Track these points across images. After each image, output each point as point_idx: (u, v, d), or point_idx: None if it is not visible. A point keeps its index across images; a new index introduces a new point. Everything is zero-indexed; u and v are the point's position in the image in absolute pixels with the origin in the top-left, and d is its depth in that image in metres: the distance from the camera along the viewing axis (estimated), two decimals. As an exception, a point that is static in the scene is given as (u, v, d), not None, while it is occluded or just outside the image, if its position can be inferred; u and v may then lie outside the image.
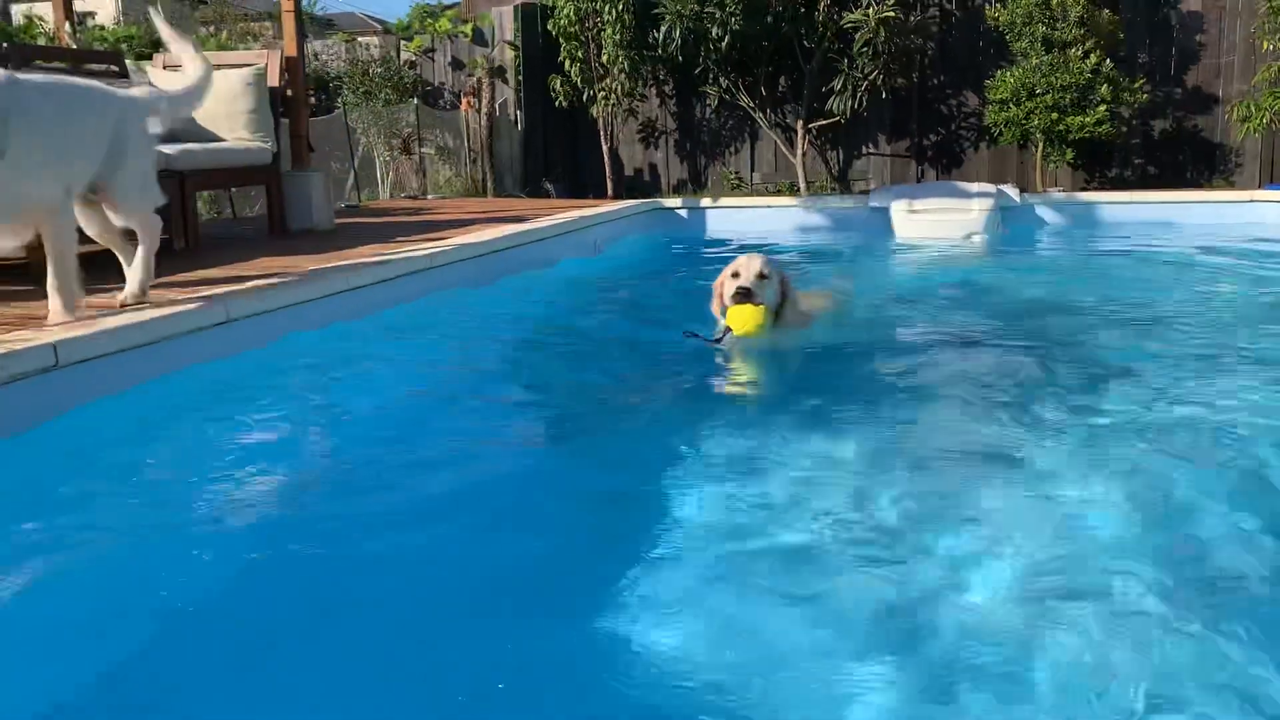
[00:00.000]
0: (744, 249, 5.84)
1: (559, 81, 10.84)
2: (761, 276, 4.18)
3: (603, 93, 10.59)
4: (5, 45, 6.07)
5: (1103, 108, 9.32)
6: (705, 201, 9.54)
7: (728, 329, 4.12)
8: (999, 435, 3.27)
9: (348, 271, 4.85)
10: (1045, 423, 3.35)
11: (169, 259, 5.72)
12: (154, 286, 4.76)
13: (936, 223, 8.50)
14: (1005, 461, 3.03)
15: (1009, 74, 9.67)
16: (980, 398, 3.69)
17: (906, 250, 8.06)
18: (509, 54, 11.92)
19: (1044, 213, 9.02)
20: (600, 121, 10.90)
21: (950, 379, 4.00)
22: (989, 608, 2.12)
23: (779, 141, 11.00)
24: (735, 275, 4.21)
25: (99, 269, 5.21)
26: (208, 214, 9.06)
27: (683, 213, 9.37)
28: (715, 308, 4.41)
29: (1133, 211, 8.88)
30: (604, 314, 5.63)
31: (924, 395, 3.86)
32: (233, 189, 8.88)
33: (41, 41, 8.08)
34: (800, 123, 10.61)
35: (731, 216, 9.26)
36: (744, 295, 4.07)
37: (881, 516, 2.63)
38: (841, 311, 4.98)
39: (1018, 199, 8.97)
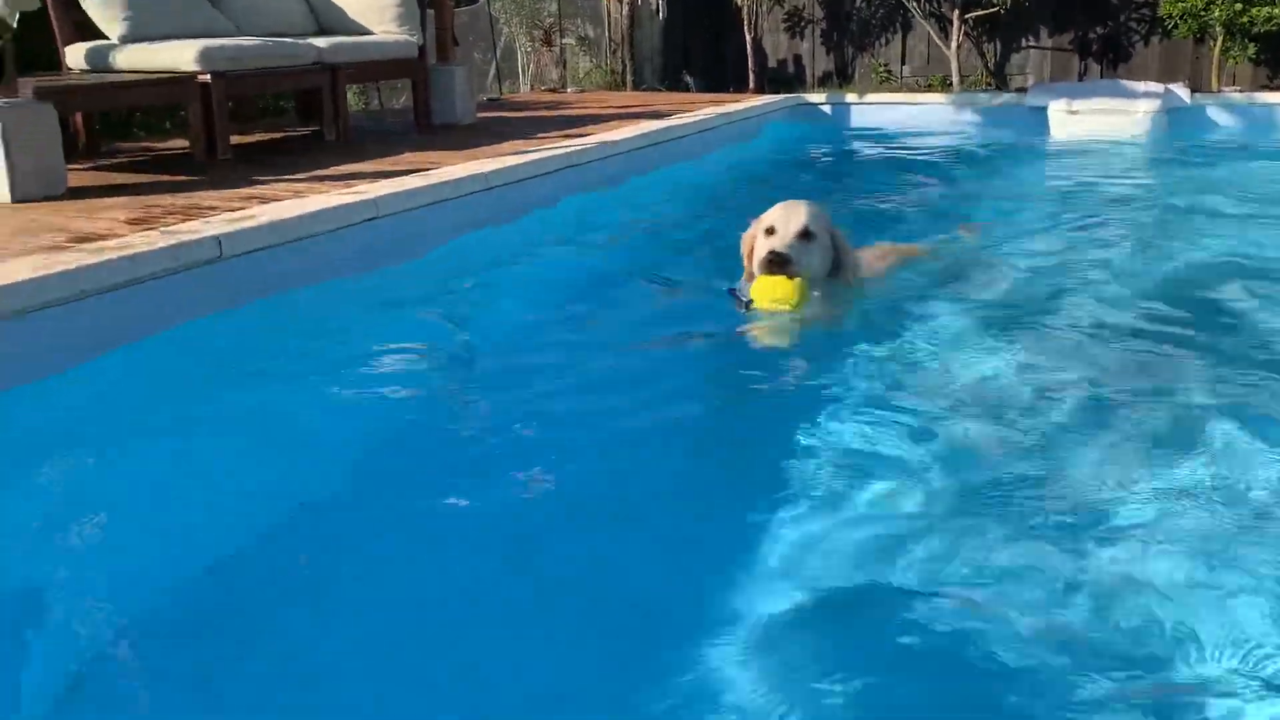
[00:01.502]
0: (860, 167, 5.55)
1: (703, -31, 10.56)
2: (805, 235, 3.16)
3: (748, -19, 10.28)
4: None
5: (1294, -2, 8.57)
6: (850, 97, 9.25)
7: (750, 303, 3.18)
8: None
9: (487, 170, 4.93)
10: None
11: (320, 151, 5.93)
12: (306, 179, 4.96)
13: (1097, 125, 8.04)
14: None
15: (1190, -39, 8.94)
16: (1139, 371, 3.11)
17: (1061, 155, 7.66)
18: (653, -60, 11.64)
19: (1217, 115, 8.42)
20: (744, 10, 10.59)
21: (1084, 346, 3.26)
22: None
23: (932, 32, 10.50)
24: (770, 232, 3.19)
25: (262, 161, 5.43)
26: (357, 105, 9.27)
27: (826, 109, 9.11)
28: (748, 273, 3.42)
29: (1320, 116, 8.19)
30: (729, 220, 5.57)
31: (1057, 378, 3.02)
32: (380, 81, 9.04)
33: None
34: (956, 12, 10.09)
35: (878, 114, 8.95)
36: (776, 263, 3.07)
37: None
38: (940, 264, 4.01)
39: (1188, 100, 8.39)
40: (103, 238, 3.67)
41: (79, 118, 5.59)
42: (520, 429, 2.82)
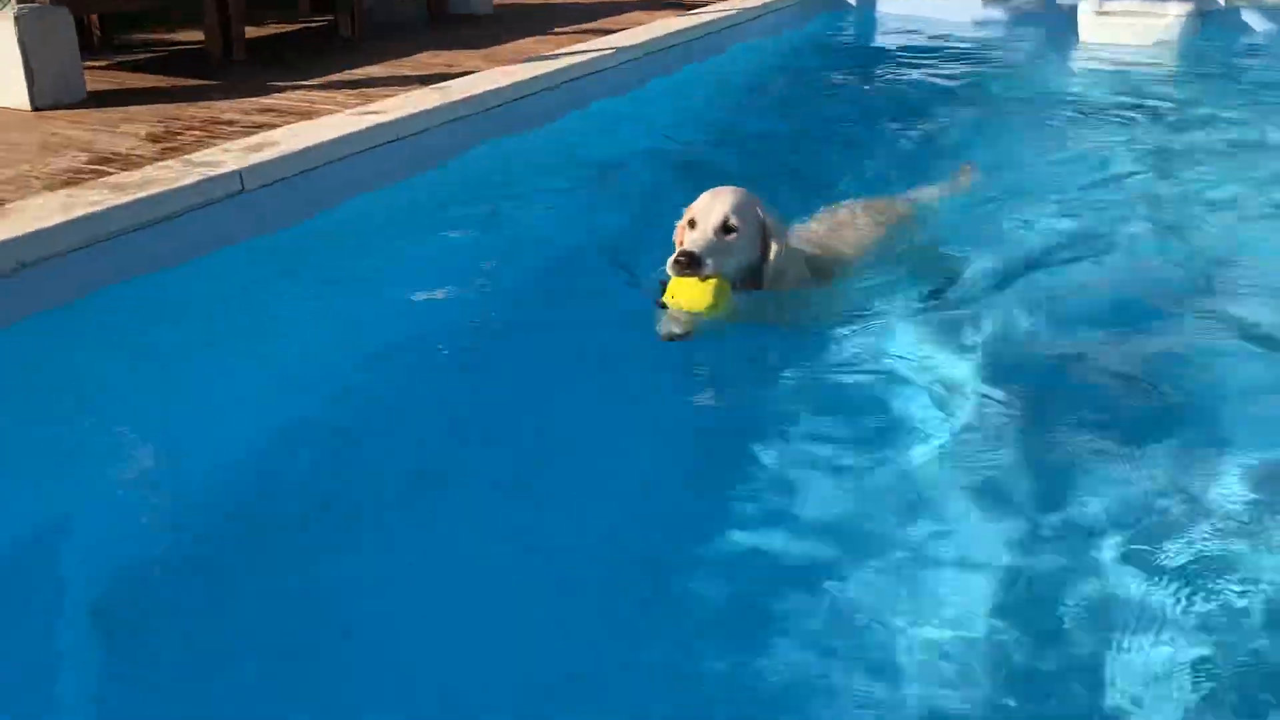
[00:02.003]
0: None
1: None
2: (725, 229, 2.82)
3: None
4: None
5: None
6: (875, -13, 8.98)
7: (662, 306, 2.87)
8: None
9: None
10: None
11: (335, 49, 5.87)
12: (321, 86, 4.95)
13: (1126, 27, 7.84)
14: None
15: None
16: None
17: (1087, 61, 7.49)
18: None
19: (1251, 18, 8.17)
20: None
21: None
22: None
23: (964, -84, 10.11)
24: (693, 225, 2.87)
25: (278, 61, 5.37)
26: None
27: (852, 0, 8.87)
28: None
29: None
30: (750, 126, 5.52)
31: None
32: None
33: None
34: (990, -104, 9.69)
35: (901, 6, 8.71)
36: (684, 263, 2.75)
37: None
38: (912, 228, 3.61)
39: (1222, 2, 8.14)
40: (125, 160, 3.73)
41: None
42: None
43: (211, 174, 3.37)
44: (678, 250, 2.78)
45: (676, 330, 2.83)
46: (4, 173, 3.65)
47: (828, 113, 5.86)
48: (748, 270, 2.89)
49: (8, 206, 3.12)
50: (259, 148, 3.69)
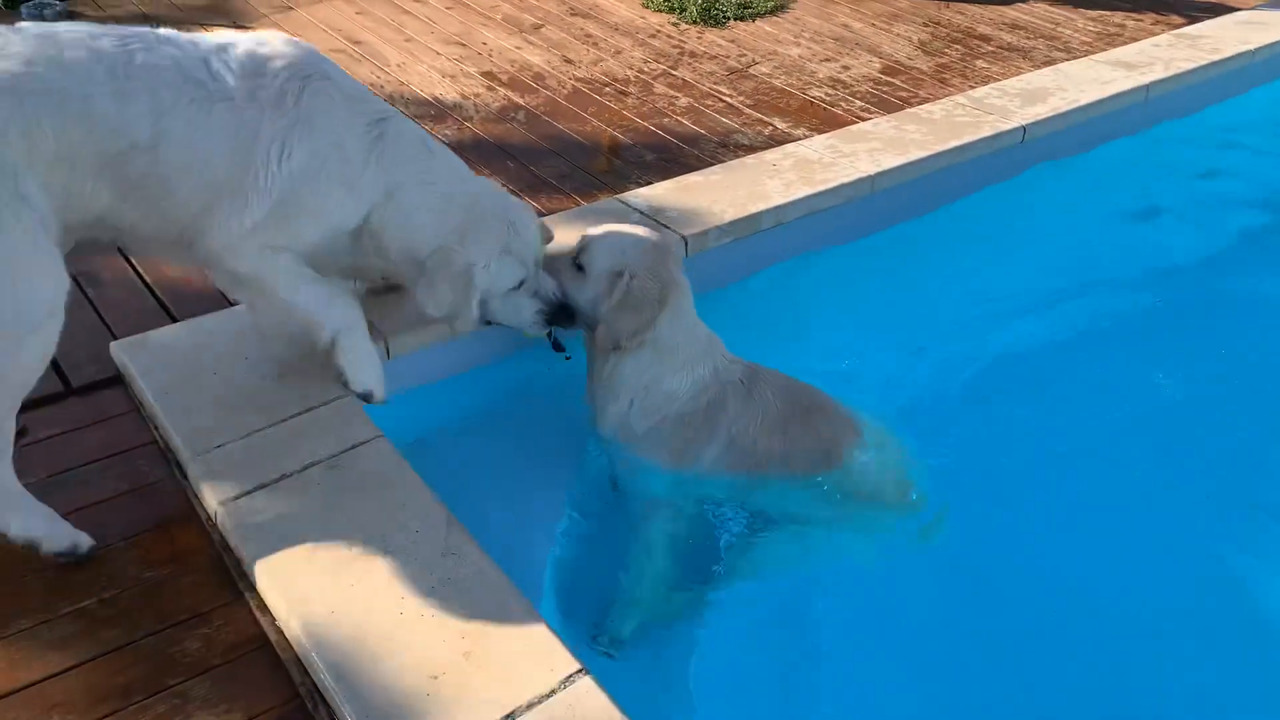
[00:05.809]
0: None
1: None
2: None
3: None
4: None
5: None
6: None
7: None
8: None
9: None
10: None
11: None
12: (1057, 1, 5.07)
13: None
14: None
15: None
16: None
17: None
18: None
19: None
20: None
21: None
22: None
23: None
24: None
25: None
26: None
27: None
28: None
29: None
30: None
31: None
32: None
33: None
34: None
35: None
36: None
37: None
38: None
39: None
40: (909, 74, 4.27)
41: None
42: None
43: (1002, 127, 3.83)
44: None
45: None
46: (823, 69, 4.36)
47: None
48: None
49: (908, 129, 3.81)
50: (1037, 96, 4.06)
